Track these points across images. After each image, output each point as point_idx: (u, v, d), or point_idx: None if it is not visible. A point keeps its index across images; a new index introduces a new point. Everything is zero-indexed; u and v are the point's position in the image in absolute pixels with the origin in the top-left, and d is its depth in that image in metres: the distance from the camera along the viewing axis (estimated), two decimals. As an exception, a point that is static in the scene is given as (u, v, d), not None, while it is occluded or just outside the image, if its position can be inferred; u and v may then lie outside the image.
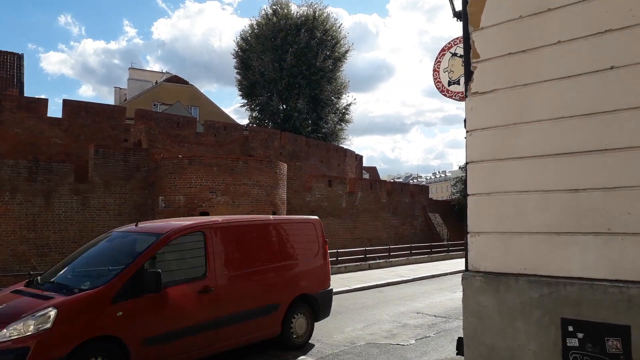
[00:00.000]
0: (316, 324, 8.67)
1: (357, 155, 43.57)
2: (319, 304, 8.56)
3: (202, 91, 46.11)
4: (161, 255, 6.65)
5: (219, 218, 7.78)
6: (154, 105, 37.82)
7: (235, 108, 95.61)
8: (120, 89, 47.96)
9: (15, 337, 5.24)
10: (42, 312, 5.53)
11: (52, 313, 5.50)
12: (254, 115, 43.40)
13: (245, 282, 7.42)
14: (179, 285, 6.56)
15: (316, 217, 9.56)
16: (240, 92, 43.41)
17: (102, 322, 5.74)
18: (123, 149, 21.94)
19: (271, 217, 8.85)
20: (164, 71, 49.69)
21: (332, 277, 16.76)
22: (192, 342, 6.52)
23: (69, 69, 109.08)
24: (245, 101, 43.53)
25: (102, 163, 20.14)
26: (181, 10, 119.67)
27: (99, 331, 5.68)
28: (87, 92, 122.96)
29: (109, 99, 60.00)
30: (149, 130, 24.09)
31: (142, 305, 6.08)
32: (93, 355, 5.60)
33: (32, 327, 5.36)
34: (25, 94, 27.92)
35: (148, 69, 54.09)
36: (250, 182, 20.66)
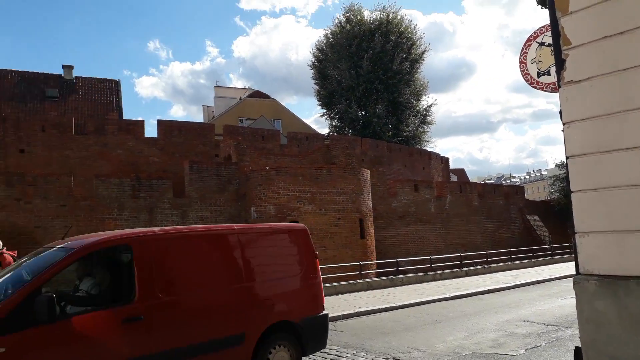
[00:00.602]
0: (415, 331, 8.36)
1: (442, 157, 42.51)
2: (304, 334, 6.65)
3: (283, 104, 47.37)
4: (70, 275, 5.56)
5: (156, 229, 6.25)
6: (240, 120, 39.40)
7: (315, 118, 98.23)
8: (207, 107, 50.53)
9: None
10: None
11: None
12: (333, 123, 43.85)
13: (193, 308, 5.81)
14: (95, 312, 5.17)
15: (302, 225, 7.61)
16: (319, 102, 44.08)
17: None
18: (215, 164, 23.02)
19: (235, 226, 6.92)
20: (246, 87, 51.70)
21: (427, 285, 16.51)
22: None
23: (161, 91, 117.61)
24: (325, 110, 44.13)
25: (196, 178, 21.26)
26: (258, 27, 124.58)
27: None
28: (178, 112, 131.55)
29: (198, 117, 63.41)
30: (237, 145, 25.10)
31: (37, 339, 4.72)
32: None
33: None
34: (124, 117, 30.21)
35: (232, 86, 56.59)
36: (335, 190, 20.80)
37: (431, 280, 18.02)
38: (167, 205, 20.10)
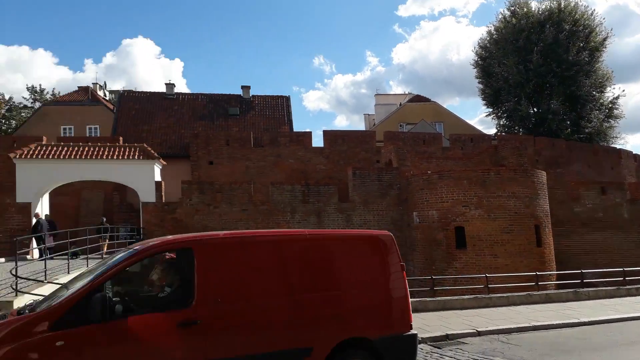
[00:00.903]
0: (604, 352, 7.23)
1: (636, 155, 36.99)
2: (385, 354, 5.91)
3: (444, 106, 46.16)
4: (129, 276, 5.56)
5: (222, 233, 6.14)
6: (400, 125, 39.46)
7: (480, 119, 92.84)
8: (368, 115, 51.70)
9: None
10: None
11: None
12: (501, 123, 41.27)
13: (254, 316, 5.51)
14: (151, 314, 5.17)
15: (387, 232, 6.85)
16: (484, 102, 41.91)
17: (35, 352, 4.68)
18: (376, 170, 23.38)
19: (306, 231, 6.54)
20: (406, 92, 51.60)
21: (619, 300, 14.27)
22: None
23: (326, 104, 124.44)
24: (491, 110, 41.78)
25: (359, 183, 21.83)
26: (417, 32, 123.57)
27: None
28: (341, 122, 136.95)
29: (360, 126, 65.18)
30: (397, 150, 25.15)
31: (91, 336, 4.85)
32: None
33: None
34: (294, 129, 32.46)
35: (391, 92, 56.93)
36: (505, 194, 19.45)
37: (625, 296, 15.65)
38: (333, 210, 21.02)
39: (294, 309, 5.68)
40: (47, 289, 10.47)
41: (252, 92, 34.92)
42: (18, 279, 10.02)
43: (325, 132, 28.66)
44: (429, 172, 21.50)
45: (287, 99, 35.15)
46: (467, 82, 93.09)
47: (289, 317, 5.64)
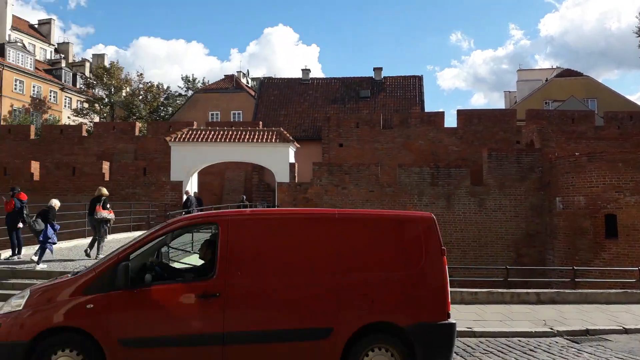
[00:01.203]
0: None
1: None
2: (416, 341, 5.53)
3: (599, 81, 41.11)
4: (156, 247, 5.88)
5: (249, 210, 6.18)
6: (545, 103, 36.14)
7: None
8: (509, 92, 48.22)
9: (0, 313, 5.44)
10: (22, 293, 5.56)
11: (26, 294, 5.44)
12: (672, 98, 35.52)
13: (274, 293, 5.52)
14: (175, 284, 5.53)
15: (428, 213, 6.26)
16: (650, 73, 36.39)
17: (69, 313, 5.22)
18: (515, 151, 21.80)
19: (335, 211, 6.23)
20: (554, 67, 46.97)
21: None
22: (188, 354, 5.30)
23: (462, 82, 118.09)
24: (659, 83, 36.15)
25: (495, 166, 20.57)
26: (569, 0, 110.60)
27: (65, 321, 5.22)
28: (478, 100, 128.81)
29: (499, 104, 61.17)
30: (541, 130, 23.10)
31: (118, 302, 5.25)
32: (61, 346, 5.16)
33: (9, 306, 5.44)
34: (426, 110, 31.61)
35: (537, 67, 52.30)
36: (674, 179, 16.84)
37: None
38: (464, 193, 20.16)
39: (315, 288, 5.59)
40: (194, 259, 11.73)
41: (384, 74, 34.73)
42: (169, 249, 11.34)
43: (460, 112, 27.45)
44: (576, 153, 19.45)
45: (420, 78, 34.31)
46: (628, 53, 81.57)
47: (310, 296, 5.56)
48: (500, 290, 11.70)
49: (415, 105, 32.04)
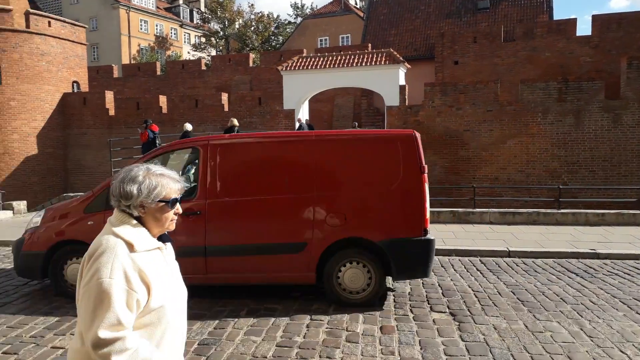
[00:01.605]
0: None
1: None
2: (391, 256, 5.69)
3: None
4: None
5: (228, 135, 6.54)
6: None
7: None
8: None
9: (27, 228, 6.57)
10: (41, 213, 6.64)
11: (42, 213, 6.54)
12: None
13: (252, 211, 5.87)
14: None
15: (409, 131, 6.08)
16: None
17: (74, 229, 6.09)
18: (663, 57, 18.77)
19: (313, 132, 6.41)
20: None
21: None
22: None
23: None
24: None
25: (636, 77, 17.99)
26: None
27: (73, 236, 6.05)
28: (619, 4, 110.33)
29: (647, 4, 52.30)
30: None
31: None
32: (73, 255, 6.08)
33: (32, 223, 6.50)
34: (554, 18, 28.20)
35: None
36: None
37: None
38: (596, 109, 18.09)
39: (291, 206, 5.89)
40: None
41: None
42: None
43: (595, 17, 24.03)
44: None
45: (549, -19, 30.41)
46: None
47: (286, 214, 5.89)
48: (631, 211, 10.68)
49: (542, 13, 28.69)
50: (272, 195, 5.90)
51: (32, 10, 23.36)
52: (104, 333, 1.56)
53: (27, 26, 22.57)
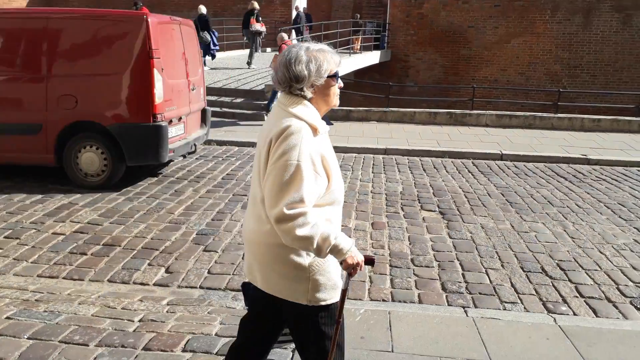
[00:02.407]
0: None
1: None
2: (122, 141, 5.87)
3: None
4: None
5: None
6: None
7: None
8: None
9: None
10: None
11: None
12: None
13: None
14: None
15: (141, 13, 6.25)
16: None
17: None
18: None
19: (50, 10, 6.69)
20: None
21: None
22: None
23: None
24: None
25: (655, -27, 16.96)
26: None
27: None
28: None
29: None
30: None
31: None
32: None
33: None
34: None
35: None
36: None
37: None
38: (607, 8, 17.25)
39: (24, 86, 5.98)
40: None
41: None
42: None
43: None
44: None
45: None
46: None
47: (21, 95, 6.00)
48: (627, 118, 10.67)
49: None
50: (4, 75, 5.97)
51: None
52: (289, 209, 1.65)
53: None
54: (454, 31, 18.62)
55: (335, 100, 1.92)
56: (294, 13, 18.54)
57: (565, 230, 5.22)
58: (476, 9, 18.36)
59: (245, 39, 15.40)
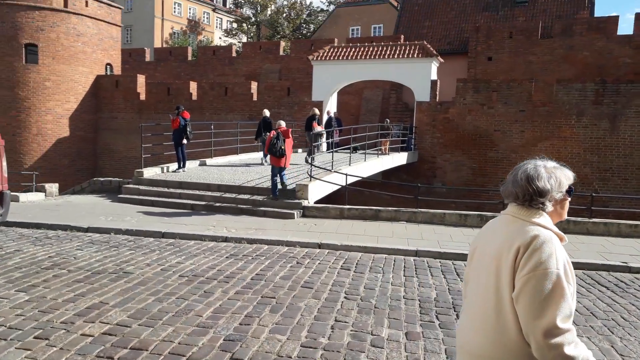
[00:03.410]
0: None
1: None
2: None
3: None
4: None
5: None
6: None
7: None
8: None
9: None
10: None
11: None
12: None
13: None
14: None
15: None
16: None
17: None
18: None
19: None
20: None
21: None
22: None
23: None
24: None
25: (679, 80, 17.40)
26: None
27: None
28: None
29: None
30: None
31: None
32: None
33: None
34: (595, 14, 27.33)
35: None
36: None
37: None
38: (633, 113, 17.56)
39: None
40: (333, 177, 12.24)
41: (545, -27, 30.48)
42: (312, 167, 11.97)
43: (639, 15, 23.21)
44: None
45: (589, -23, 29.38)
46: None
47: None
48: (669, 224, 10.35)
49: (583, 10, 27.84)
50: None
51: (70, -10, 23.76)
52: (561, 322, 1.63)
53: (66, 5, 23.00)
54: (480, 134, 19.06)
55: (565, 213, 2.01)
56: (326, 117, 19.44)
57: (612, 346, 4.88)
58: (502, 114, 18.90)
59: (307, 139, 17.06)
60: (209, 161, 15.77)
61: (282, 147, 10.71)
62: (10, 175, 20.12)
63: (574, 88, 18.29)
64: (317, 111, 16.04)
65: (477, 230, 10.50)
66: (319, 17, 48.49)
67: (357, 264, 7.60)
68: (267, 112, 15.49)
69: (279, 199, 11.03)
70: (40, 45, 22.37)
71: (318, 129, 15.41)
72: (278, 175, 11.04)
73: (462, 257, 8.42)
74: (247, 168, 14.95)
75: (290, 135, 11.28)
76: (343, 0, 45.01)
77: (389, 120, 20.16)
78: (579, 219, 10.89)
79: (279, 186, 11.16)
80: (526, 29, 24.81)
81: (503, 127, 18.73)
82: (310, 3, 49.14)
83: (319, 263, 7.47)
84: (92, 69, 24.09)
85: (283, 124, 11.59)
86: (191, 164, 14.75)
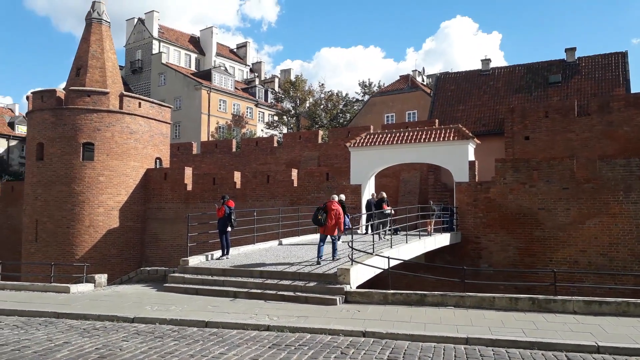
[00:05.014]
0: None
1: None
2: None
3: None
4: None
5: None
6: None
7: None
8: None
9: None
10: None
11: None
12: None
13: None
14: None
15: None
16: None
17: None
18: None
19: None
20: None
21: None
22: None
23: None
24: None
25: None
26: None
27: None
28: None
29: None
30: None
31: None
32: None
33: None
34: (632, 91, 27.31)
35: None
36: None
37: None
38: (686, 187, 16.88)
39: None
40: (374, 261, 12.12)
41: (577, 54, 31.09)
42: (353, 250, 11.94)
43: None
44: None
45: (623, 55, 29.82)
46: None
47: None
48: None
49: (618, 87, 27.94)
50: None
51: (125, 93, 25.95)
52: None
53: (121, 107, 24.99)
54: (524, 213, 18.66)
55: None
56: (364, 201, 19.62)
57: None
58: (544, 192, 18.58)
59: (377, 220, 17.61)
60: (251, 247, 15.98)
61: (319, 217, 12.35)
62: (63, 267, 20.88)
63: (618, 164, 17.92)
64: (384, 194, 17.91)
65: (529, 315, 9.97)
66: (355, 107, 50.47)
67: (404, 353, 7.31)
68: (342, 197, 16.01)
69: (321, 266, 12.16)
70: (96, 144, 24.11)
71: (388, 210, 16.31)
72: (323, 242, 12.63)
73: (516, 344, 7.97)
74: (288, 253, 15.02)
75: (335, 207, 12.61)
76: (377, 90, 46.93)
77: (432, 202, 20.08)
78: (640, 301, 10.21)
79: (321, 253, 12.65)
80: (562, 107, 24.96)
81: (547, 205, 18.30)
82: (346, 94, 51.43)
83: (364, 353, 7.23)
84: (143, 163, 25.57)
85: (336, 198, 13.19)
86: (234, 251, 14.98)
